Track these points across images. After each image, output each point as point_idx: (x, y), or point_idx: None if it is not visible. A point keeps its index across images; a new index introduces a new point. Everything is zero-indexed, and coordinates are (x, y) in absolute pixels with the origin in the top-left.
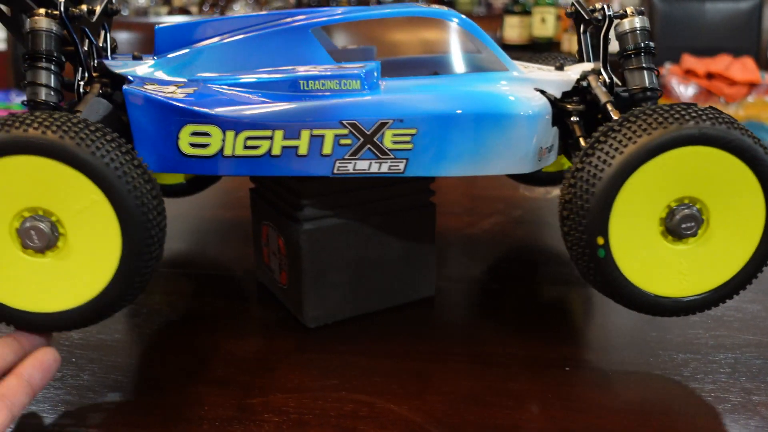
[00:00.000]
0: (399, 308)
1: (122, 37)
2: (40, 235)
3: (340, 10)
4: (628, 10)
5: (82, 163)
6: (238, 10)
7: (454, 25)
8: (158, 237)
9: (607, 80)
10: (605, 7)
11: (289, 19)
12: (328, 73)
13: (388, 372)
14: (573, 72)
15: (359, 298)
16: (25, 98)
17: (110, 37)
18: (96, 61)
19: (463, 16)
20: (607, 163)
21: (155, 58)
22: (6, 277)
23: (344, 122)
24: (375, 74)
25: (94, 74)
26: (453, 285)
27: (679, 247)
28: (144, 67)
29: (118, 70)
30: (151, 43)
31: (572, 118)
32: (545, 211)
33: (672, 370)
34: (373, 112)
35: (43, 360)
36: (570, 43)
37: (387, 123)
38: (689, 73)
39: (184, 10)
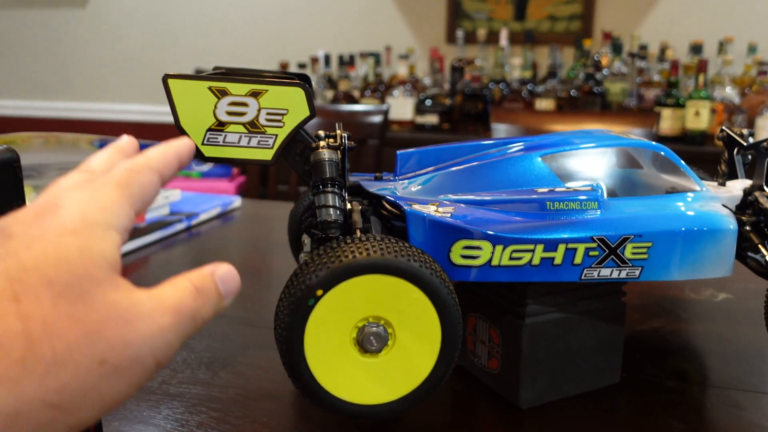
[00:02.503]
0: (587, 394)
1: None
2: (378, 339)
3: (550, 139)
4: None
5: (405, 271)
6: (398, 96)
7: (660, 154)
8: (461, 320)
9: None
10: None
11: (510, 146)
12: (572, 197)
13: None
14: (734, 188)
15: (561, 383)
16: (317, 218)
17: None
18: (352, 180)
19: (667, 147)
20: None
21: (397, 177)
22: (350, 380)
23: (594, 237)
24: (603, 195)
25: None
26: (628, 376)
27: None
28: (393, 188)
29: (372, 190)
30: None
31: (746, 227)
32: (713, 313)
33: None
34: (617, 229)
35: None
36: None
37: (629, 238)
38: None
39: (348, 95)
